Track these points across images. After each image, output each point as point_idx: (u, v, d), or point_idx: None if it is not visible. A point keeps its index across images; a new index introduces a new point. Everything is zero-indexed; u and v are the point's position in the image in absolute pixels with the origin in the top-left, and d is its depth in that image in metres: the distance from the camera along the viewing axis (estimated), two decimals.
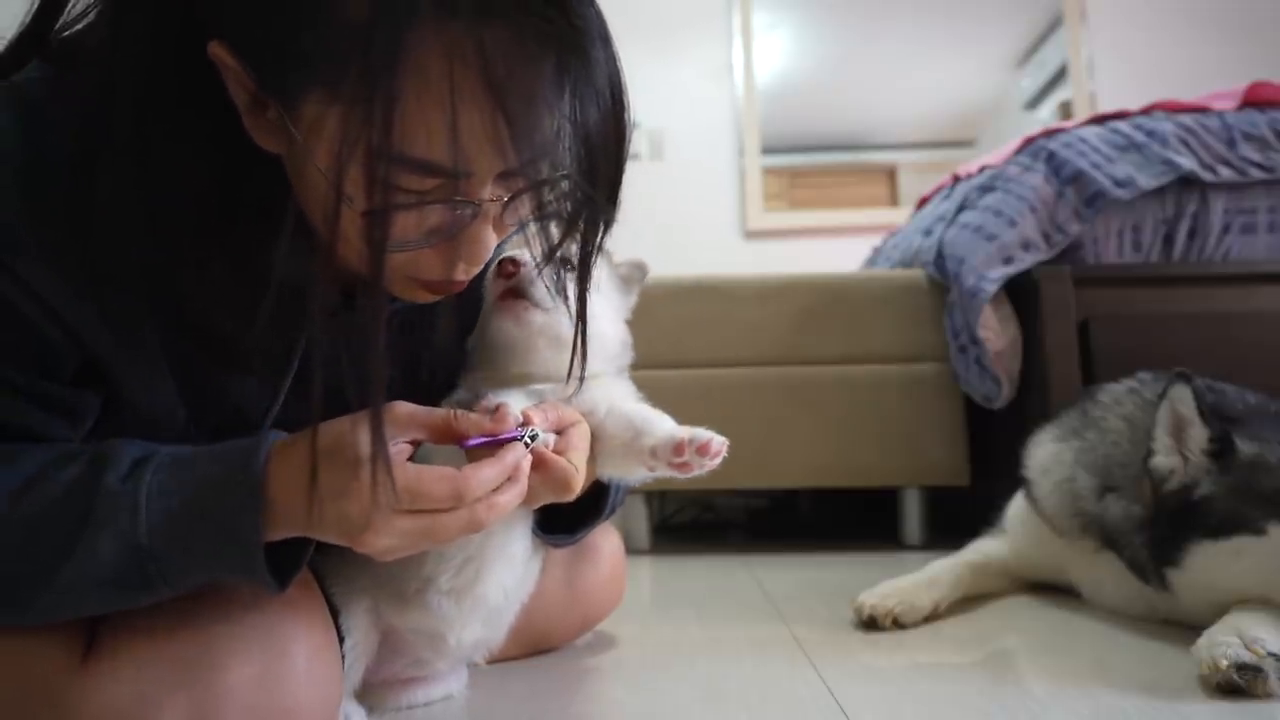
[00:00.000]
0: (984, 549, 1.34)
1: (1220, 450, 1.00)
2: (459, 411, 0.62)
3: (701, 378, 1.92)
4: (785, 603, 1.31)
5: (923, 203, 2.37)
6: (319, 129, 0.53)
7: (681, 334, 1.92)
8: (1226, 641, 0.84)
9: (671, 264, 3.02)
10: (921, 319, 1.90)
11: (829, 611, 1.23)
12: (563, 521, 0.84)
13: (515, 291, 0.74)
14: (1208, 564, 0.97)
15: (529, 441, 0.62)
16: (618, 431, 0.73)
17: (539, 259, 0.66)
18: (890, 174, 3.88)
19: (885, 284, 1.95)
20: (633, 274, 0.86)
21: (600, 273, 0.78)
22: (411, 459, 0.61)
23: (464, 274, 0.63)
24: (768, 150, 3.81)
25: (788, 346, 1.92)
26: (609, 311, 0.81)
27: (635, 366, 0.85)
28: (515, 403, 0.66)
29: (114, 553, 0.56)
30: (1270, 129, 1.69)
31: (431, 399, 0.78)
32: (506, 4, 0.51)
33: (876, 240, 2.69)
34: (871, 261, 2.62)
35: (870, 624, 1.13)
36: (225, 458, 0.59)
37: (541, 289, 0.74)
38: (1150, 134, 1.70)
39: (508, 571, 0.79)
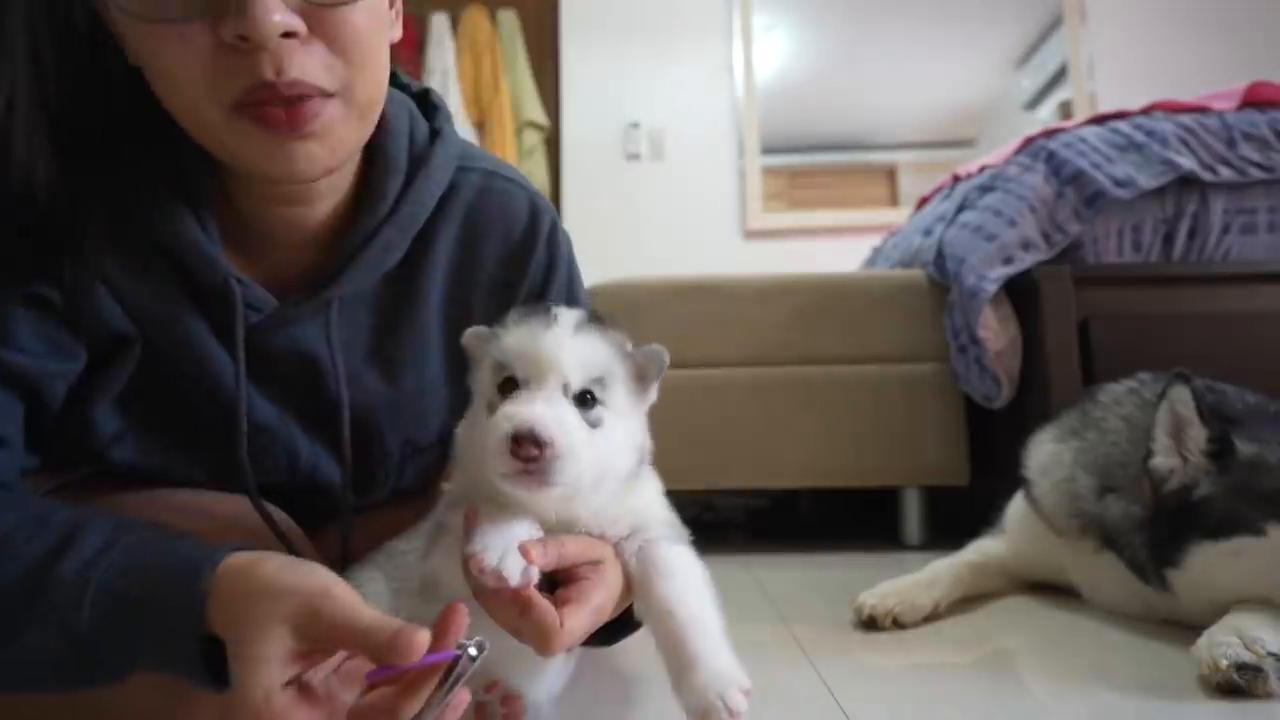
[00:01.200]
0: (984, 549, 1.34)
1: (1219, 451, 1.00)
2: (404, 630, 0.49)
3: (701, 378, 1.92)
4: (785, 603, 1.31)
5: (923, 203, 2.37)
6: None
7: (681, 334, 1.92)
8: (1226, 641, 0.84)
9: (671, 264, 3.02)
10: (921, 319, 1.90)
11: (829, 611, 1.23)
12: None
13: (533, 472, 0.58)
14: (1207, 564, 0.98)
15: (472, 656, 0.51)
16: (660, 613, 0.64)
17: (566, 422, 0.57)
18: (890, 174, 3.88)
19: (885, 284, 1.95)
20: (649, 364, 0.69)
21: (616, 389, 0.64)
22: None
23: (271, 72, 0.58)
24: (768, 150, 3.82)
25: (788, 346, 1.92)
26: (628, 429, 0.66)
27: None
28: (516, 534, 0.58)
29: (56, 641, 0.55)
30: (1270, 129, 1.68)
31: (422, 429, 0.77)
32: None
33: (876, 240, 2.69)
34: (871, 261, 2.62)
35: (870, 624, 1.13)
36: (173, 568, 0.55)
37: (570, 469, 0.58)
38: (1150, 134, 1.70)
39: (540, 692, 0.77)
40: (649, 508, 0.69)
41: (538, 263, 0.83)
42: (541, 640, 0.57)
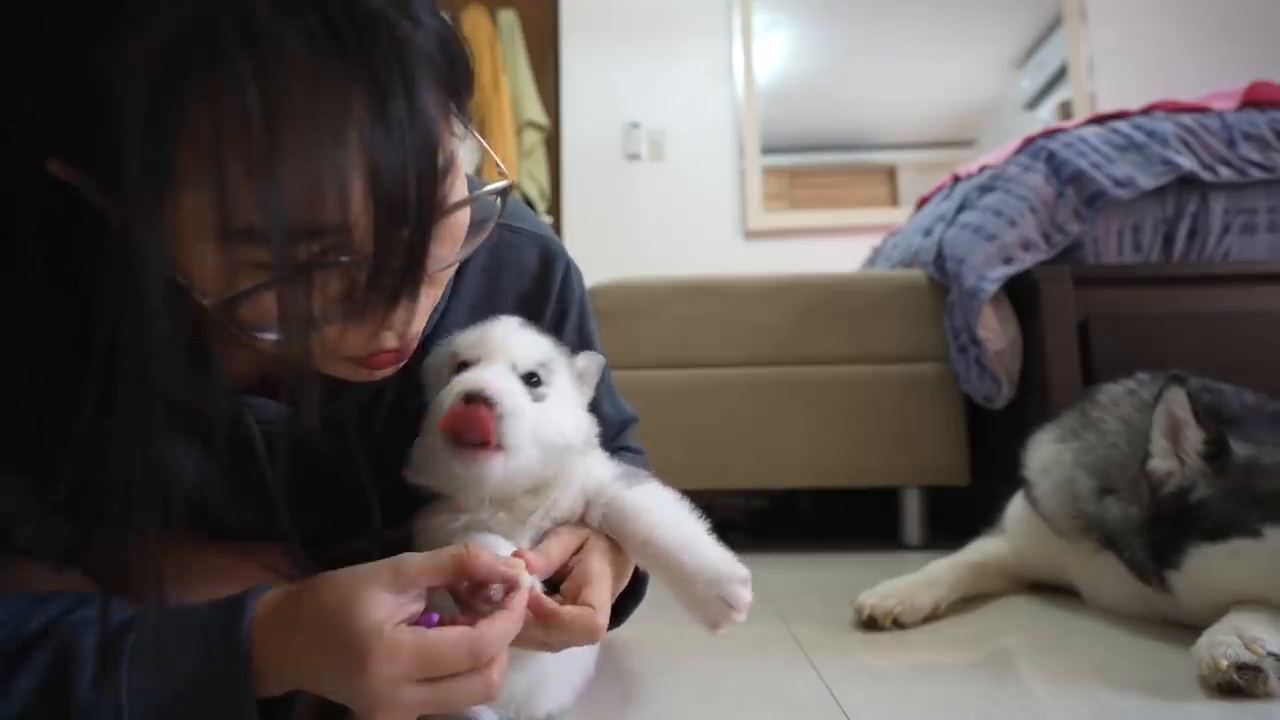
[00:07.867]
0: (984, 549, 1.34)
1: (1215, 453, 1.00)
2: (470, 546, 0.56)
3: (701, 378, 1.92)
4: (785, 603, 1.31)
5: (922, 203, 2.37)
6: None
7: (682, 334, 1.92)
8: (1226, 641, 0.84)
9: (671, 264, 3.02)
10: (921, 319, 1.90)
11: (829, 611, 1.23)
12: None
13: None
14: (1206, 566, 0.98)
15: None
16: (641, 547, 0.68)
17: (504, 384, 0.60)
18: (890, 174, 3.88)
19: (885, 284, 1.95)
20: (588, 369, 0.76)
21: (559, 375, 0.70)
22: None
23: (395, 341, 0.56)
24: (768, 150, 3.82)
25: (788, 346, 1.92)
26: (567, 407, 0.70)
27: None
28: (500, 547, 0.61)
29: None
30: (1270, 129, 1.69)
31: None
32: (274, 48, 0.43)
33: (876, 240, 2.70)
34: (871, 261, 2.62)
35: (870, 624, 1.13)
36: (206, 634, 0.54)
37: (515, 430, 0.61)
38: (1150, 134, 1.70)
39: (566, 688, 0.76)
40: (590, 472, 0.71)
41: (551, 312, 0.83)
42: (587, 631, 0.60)
